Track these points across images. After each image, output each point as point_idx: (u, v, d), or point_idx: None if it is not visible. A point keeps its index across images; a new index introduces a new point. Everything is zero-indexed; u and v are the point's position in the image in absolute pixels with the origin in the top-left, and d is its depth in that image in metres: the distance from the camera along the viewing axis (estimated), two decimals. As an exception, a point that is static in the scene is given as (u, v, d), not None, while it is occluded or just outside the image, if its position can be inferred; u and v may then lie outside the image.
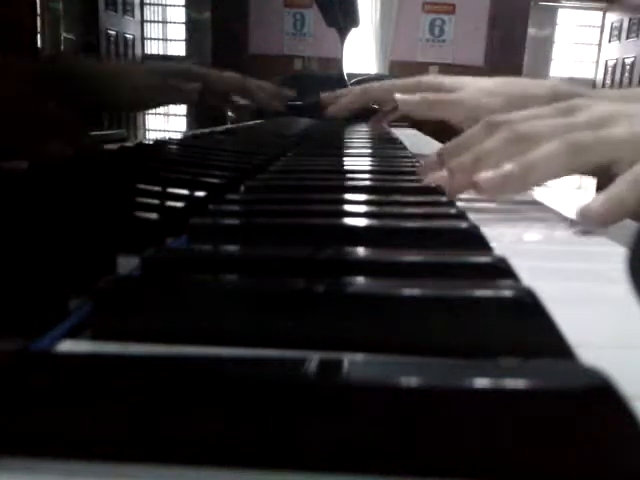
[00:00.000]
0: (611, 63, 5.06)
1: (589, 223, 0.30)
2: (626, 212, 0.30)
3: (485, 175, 0.32)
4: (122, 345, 0.15)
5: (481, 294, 0.16)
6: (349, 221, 0.27)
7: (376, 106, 0.79)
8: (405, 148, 0.72)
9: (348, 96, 0.67)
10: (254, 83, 0.74)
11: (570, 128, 0.34)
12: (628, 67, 4.76)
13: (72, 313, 0.17)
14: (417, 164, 0.50)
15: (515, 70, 4.76)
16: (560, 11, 5.30)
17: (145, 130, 4.31)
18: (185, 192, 0.33)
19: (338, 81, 1.21)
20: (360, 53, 4.90)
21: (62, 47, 3.13)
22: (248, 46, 4.99)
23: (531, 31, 5.09)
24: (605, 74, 5.16)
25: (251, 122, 1.09)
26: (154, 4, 4.94)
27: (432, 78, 0.60)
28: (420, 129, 1.20)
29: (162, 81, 0.64)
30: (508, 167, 0.32)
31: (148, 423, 0.11)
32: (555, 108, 0.37)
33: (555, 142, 0.32)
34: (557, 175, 0.33)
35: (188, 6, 4.93)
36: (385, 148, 0.72)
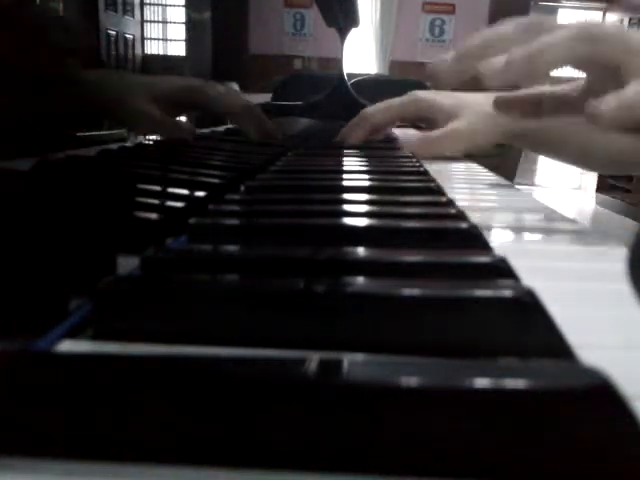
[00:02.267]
0: (611, 63, 5.05)
1: (597, 123, 0.30)
2: (634, 120, 0.30)
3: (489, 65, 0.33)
4: (122, 345, 0.15)
5: (481, 294, 0.16)
6: (349, 221, 0.27)
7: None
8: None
9: (356, 132, 0.68)
10: (254, 115, 0.68)
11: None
12: (628, 67, 4.75)
13: (72, 313, 0.17)
14: (417, 164, 0.50)
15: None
16: (560, 11, 5.30)
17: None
18: (185, 192, 0.33)
19: (338, 81, 1.21)
20: (360, 53, 4.90)
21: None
22: (248, 46, 5.00)
23: (531, 31, 5.08)
24: (605, 74, 5.15)
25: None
26: (154, 4, 4.94)
27: (430, 98, 0.63)
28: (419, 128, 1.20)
29: (160, 116, 0.61)
30: (513, 52, 0.32)
31: (148, 423, 0.11)
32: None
33: (566, 29, 0.32)
34: (564, 61, 0.33)
35: (188, 6, 4.93)
36: (385, 148, 0.72)
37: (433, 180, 0.41)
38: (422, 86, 1.51)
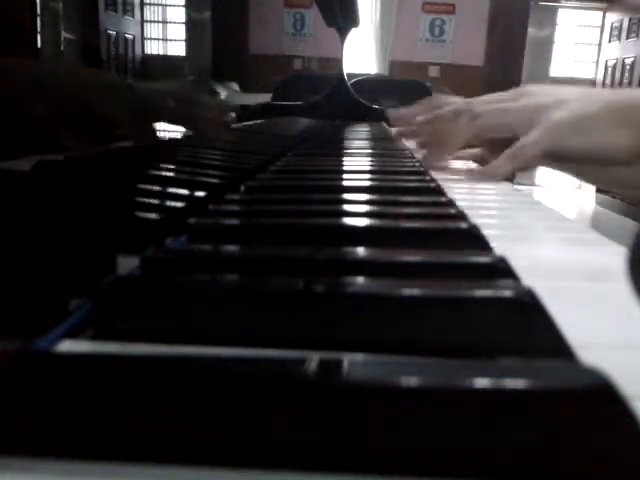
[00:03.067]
0: (611, 63, 5.06)
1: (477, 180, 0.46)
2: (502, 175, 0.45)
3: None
4: (122, 345, 0.15)
5: (481, 294, 0.16)
6: (349, 221, 0.27)
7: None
8: (405, 148, 0.72)
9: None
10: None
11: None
12: (628, 67, 4.76)
13: (72, 313, 0.17)
14: (417, 164, 0.50)
15: (515, 70, 4.76)
16: (560, 11, 5.30)
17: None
18: (185, 192, 0.33)
19: (338, 81, 1.21)
20: (360, 53, 4.90)
21: (62, 47, 3.13)
22: (248, 46, 5.00)
23: (531, 31, 5.09)
24: (605, 74, 5.16)
25: (251, 122, 1.09)
26: (154, 4, 4.94)
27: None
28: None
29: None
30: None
31: (148, 423, 0.11)
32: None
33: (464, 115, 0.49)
34: (465, 139, 0.49)
35: (188, 6, 4.93)
36: (385, 148, 0.72)
37: (433, 180, 0.41)
38: (422, 86, 1.51)
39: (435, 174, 0.45)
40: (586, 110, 0.47)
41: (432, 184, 0.38)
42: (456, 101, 0.56)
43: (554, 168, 0.53)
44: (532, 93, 0.51)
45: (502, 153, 0.47)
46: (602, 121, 0.46)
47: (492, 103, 0.50)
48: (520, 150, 0.46)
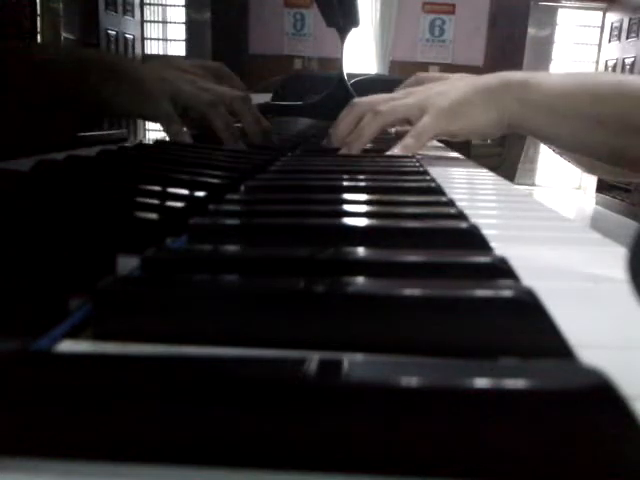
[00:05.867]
0: (611, 63, 5.06)
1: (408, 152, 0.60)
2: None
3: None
4: (122, 345, 0.15)
5: (481, 294, 0.16)
6: (349, 221, 0.27)
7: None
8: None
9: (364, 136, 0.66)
10: (222, 110, 0.63)
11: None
12: (628, 67, 4.76)
13: (72, 313, 0.17)
14: (417, 164, 0.50)
15: (515, 70, 4.75)
16: (560, 11, 5.30)
17: (145, 130, 4.31)
18: (185, 192, 0.33)
19: (338, 81, 1.21)
20: (360, 53, 4.90)
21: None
22: (248, 46, 5.00)
23: (531, 31, 5.09)
24: (605, 74, 5.15)
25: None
26: (154, 4, 4.94)
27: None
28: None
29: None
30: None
31: (148, 423, 0.11)
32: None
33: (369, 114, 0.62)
34: (372, 132, 0.62)
35: (188, 6, 4.93)
36: (385, 147, 0.71)
37: (433, 180, 0.41)
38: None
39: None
40: (460, 96, 0.61)
41: (432, 184, 0.38)
42: (361, 102, 0.67)
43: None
44: (424, 80, 0.70)
45: (405, 135, 0.62)
46: (472, 103, 0.61)
47: (391, 101, 0.64)
48: (418, 134, 0.61)
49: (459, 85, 0.63)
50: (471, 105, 0.61)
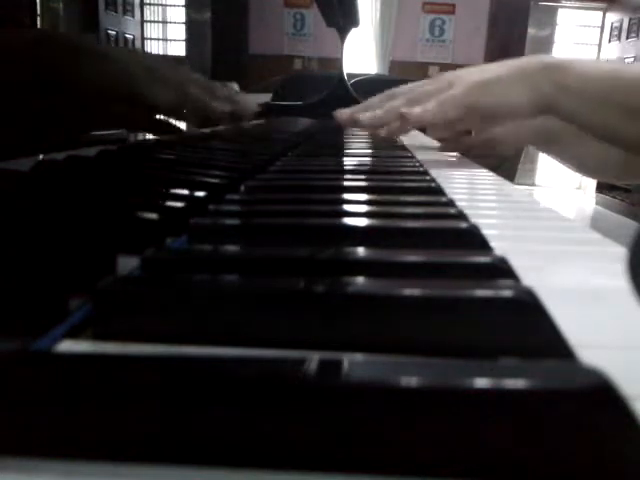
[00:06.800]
0: (611, 63, 5.05)
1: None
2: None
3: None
4: (122, 345, 0.15)
5: (481, 294, 0.16)
6: (349, 221, 0.27)
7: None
8: (404, 147, 0.72)
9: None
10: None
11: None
12: (628, 67, 4.75)
13: (72, 313, 0.17)
14: (417, 164, 0.50)
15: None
16: (560, 11, 5.30)
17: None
18: (185, 192, 0.33)
19: (338, 81, 1.21)
20: (360, 53, 4.90)
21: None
22: (248, 46, 5.00)
23: (531, 31, 5.09)
24: (605, 74, 5.14)
25: (252, 122, 1.09)
26: (154, 4, 4.94)
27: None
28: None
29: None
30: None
31: (148, 423, 0.11)
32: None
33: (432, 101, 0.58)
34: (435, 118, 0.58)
35: (188, 6, 4.93)
36: (385, 148, 0.72)
37: (433, 180, 0.41)
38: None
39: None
40: (494, 74, 0.59)
41: (432, 184, 0.38)
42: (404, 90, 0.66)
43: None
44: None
45: (432, 100, 0.59)
46: (506, 82, 0.58)
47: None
48: (446, 100, 0.58)
49: (491, 66, 0.61)
50: (505, 83, 0.58)
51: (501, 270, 0.19)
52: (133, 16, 4.47)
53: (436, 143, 0.89)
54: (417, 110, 0.58)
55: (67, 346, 0.15)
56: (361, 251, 0.22)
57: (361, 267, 0.20)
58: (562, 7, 5.28)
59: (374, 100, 0.68)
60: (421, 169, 0.46)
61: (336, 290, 0.16)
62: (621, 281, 0.20)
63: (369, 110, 0.65)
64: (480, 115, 0.61)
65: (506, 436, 0.11)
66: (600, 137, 0.61)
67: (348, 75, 1.22)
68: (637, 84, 0.55)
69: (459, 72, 0.62)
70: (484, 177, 0.56)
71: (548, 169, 5.30)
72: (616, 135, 0.58)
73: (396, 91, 0.65)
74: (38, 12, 2.71)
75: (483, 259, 0.20)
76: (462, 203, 0.33)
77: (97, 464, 0.11)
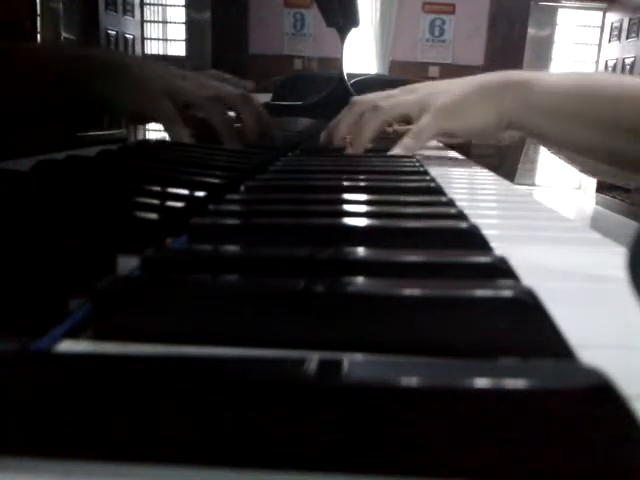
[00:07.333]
0: (611, 63, 5.06)
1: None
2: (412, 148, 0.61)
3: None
4: (122, 345, 0.15)
5: (481, 294, 0.16)
6: (349, 221, 0.27)
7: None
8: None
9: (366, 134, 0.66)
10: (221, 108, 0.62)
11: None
12: (628, 67, 4.76)
13: (72, 313, 0.17)
14: (417, 164, 0.50)
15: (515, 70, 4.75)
16: (560, 11, 5.30)
17: (145, 130, 4.31)
18: (185, 192, 0.33)
19: (338, 81, 1.21)
20: (360, 53, 4.90)
21: (62, 47, 3.12)
22: (248, 46, 5.00)
23: (531, 31, 5.10)
24: (605, 74, 5.16)
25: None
26: (154, 4, 4.94)
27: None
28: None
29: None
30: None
31: (148, 423, 0.11)
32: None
33: (369, 111, 0.63)
34: (373, 129, 0.63)
35: (188, 6, 4.93)
36: (384, 148, 0.72)
37: (433, 180, 0.41)
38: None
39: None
40: (460, 95, 0.62)
41: (432, 184, 0.38)
42: (361, 100, 0.68)
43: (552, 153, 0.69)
44: (422, 88, 0.68)
45: (405, 135, 0.63)
46: (472, 102, 0.61)
47: (391, 98, 0.66)
48: (418, 132, 0.62)
49: (459, 83, 0.63)
50: (471, 104, 0.61)
51: (501, 270, 0.19)
52: (133, 16, 4.47)
53: (436, 143, 0.89)
54: (396, 150, 0.62)
55: (67, 346, 0.15)
56: (361, 251, 0.22)
57: (361, 267, 0.20)
58: (562, 7, 5.28)
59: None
60: (421, 169, 0.46)
61: (336, 290, 0.16)
62: (621, 281, 0.20)
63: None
64: (448, 136, 0.68)
65: (506, 436, 0.11)
66: (567, 149, 0.63)
67: (348, 75, 1.22)
68: (600, 94, 0.56)
69: (429, 89, 0.65)
70: (484, 177, 0.56)
71: (548, 169, 5.30)
72: (583, 147, 0.59)
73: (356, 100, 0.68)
74: (38, 12, 2.70)
75: (483, 259, 0.20)
76: (462, 203, 0.33)
77: (97, 464, 0.11)
